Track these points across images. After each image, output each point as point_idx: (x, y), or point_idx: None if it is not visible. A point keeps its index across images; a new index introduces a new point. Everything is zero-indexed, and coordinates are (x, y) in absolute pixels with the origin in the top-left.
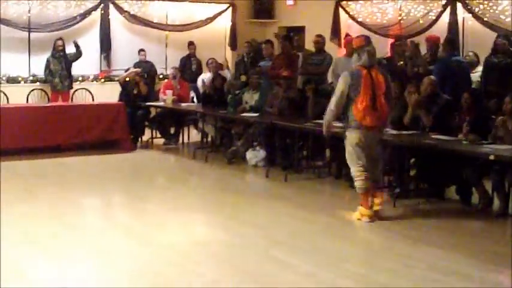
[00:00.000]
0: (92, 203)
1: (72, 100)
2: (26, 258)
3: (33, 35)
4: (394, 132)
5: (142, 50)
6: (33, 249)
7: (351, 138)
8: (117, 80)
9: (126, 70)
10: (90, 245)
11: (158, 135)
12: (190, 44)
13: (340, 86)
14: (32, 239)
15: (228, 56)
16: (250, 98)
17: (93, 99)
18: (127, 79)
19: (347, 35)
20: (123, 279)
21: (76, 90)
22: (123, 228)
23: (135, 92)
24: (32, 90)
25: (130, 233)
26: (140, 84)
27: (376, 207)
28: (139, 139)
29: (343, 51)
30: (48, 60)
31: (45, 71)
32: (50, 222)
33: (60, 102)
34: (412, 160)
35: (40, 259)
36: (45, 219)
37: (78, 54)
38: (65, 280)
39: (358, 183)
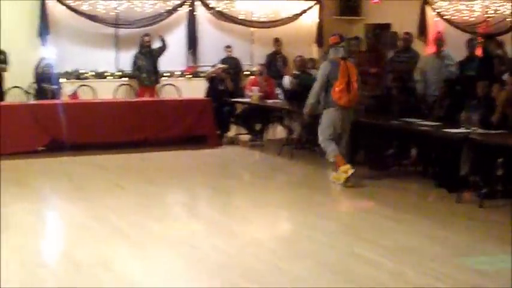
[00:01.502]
0: (178, 197)
1: (158, 95)
2: (112, 251)
3: (120, 30)
4: (481, 131)
5: (228, 46)
6: (119, 242)
7: (328, 114)
8: (204, 76)
9: (213, 66)
10: (176, 238)
11: (244, 131)
12: (276, 40)
13: (322, 73)
14: (119, 232)
15: (314, 53)
16: None
17: (179, 95)
18: (213, 75)
19: (438, 32)
20: (209, 273)
21: (163, 85)
22: (210, 223)
23: (221, 88)
24: (120, 85)
25: (216, 228)
26: (227, 80)
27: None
28: (225, 135)
29: (430, 49)
30: (135, 57)
31: (133, 66)
32: (137, 215)
33: (147, 97)
34: (500, 160)
35: (127, 252)
36: (132, 213)
37: (163, 47)
38: (151, 273)
39: (330, 149)
